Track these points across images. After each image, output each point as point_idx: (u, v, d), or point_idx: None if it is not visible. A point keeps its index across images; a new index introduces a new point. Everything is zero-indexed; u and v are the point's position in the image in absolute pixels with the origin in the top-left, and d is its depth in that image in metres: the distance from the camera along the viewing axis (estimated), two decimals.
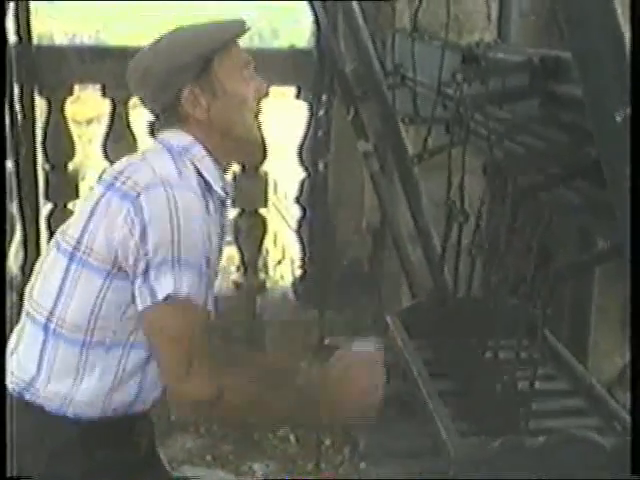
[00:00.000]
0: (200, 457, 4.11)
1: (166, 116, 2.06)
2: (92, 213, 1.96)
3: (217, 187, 2.02)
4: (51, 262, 2.04)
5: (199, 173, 2.00)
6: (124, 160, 2.08)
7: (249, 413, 2.09)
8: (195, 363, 1.90)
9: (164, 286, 1.87)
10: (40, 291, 2.04)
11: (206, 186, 2.01)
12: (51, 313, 1.98)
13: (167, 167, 1.97)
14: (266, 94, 2.13)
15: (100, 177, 2.06)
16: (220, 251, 2.12)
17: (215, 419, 2.14)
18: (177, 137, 2.04)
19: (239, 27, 2.09)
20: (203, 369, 1.91)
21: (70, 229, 2.02)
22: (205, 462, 4.08)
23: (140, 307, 1.91)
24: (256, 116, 2.10)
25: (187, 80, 2.00)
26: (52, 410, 1.99)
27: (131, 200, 1.90)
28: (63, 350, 1.98)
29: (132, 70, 2.07)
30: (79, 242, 1.96)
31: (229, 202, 2.16)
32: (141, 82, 2.05)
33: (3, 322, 2.02)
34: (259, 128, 2.12)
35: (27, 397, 2.01)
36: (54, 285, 1.99)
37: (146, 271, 1.88)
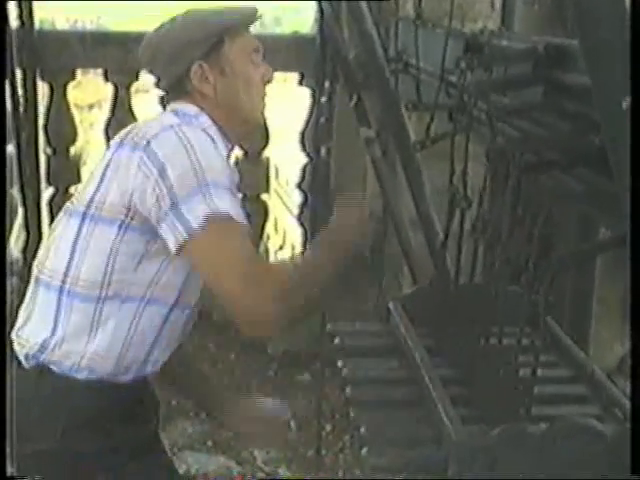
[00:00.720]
0: (201, 443, 4.12)
1: (175, 89, 2.10)
2: (104, 173, 1.97)
3: (223, 150, 2.05)
4: (62, 229, 2.04)
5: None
6: (130, 125, 2.10)
7: (313, 291, 2.04)
8: (254, 277, 1.84)
9: (199, 213, 1.83)
10: (52, 257, 2.04)
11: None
12: (65, 274, 1.99)
13: (173, 118, 2.02)
14: (270, 81, 2.16)
15: (109, 144, 2.07)
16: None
17: (292, 319, 2.05)
18: (185, 107, 2.07)
19: (251, 13, 2.14)
20: (263, 279, 1.84)
21: (81, 193, 2.03)
22: (206, 448, 4.09)
23: (174, 244, 1.87)
24: (261, 99, 2.14)
25: (197, 55, 2.05)
26: (66, 370, 1.99)
27: (142, 148, 1.91)
28: (77, 307, 1.98)
29: (145, 45, 2.12)
30: (91, 200, 1.97)
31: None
32: (153, 56, 2.10)
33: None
34: (262, 112, 2.17)
35: (42, 358, 2.00)
36: (66, 247, 2.00)
37: (175, 206, 1.85)
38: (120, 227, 1.94)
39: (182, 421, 4.21)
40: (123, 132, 2.04)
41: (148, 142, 1.91)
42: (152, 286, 1.99)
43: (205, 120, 2.06)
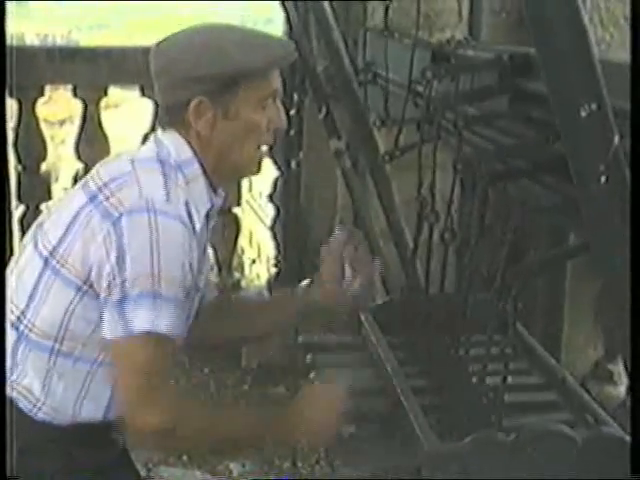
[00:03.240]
0: (176, 457, 4.10)
1: (171, 115, 1.93)
2: (72, 223, 1.88)
3: (201, 214, 1.91)
4: (28, 257, 1.97)
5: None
6: (112, 167, 1.96)
7: (206, 443, 2.05)
8: (155, 393, 1.84)
9: (141, 320, 1.79)
10: (16, 286, 1.98)
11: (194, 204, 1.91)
12: (22, 314, 1.94)
13: (155, 187, 1.85)
14: (282, 127, 1.97)
15: (86, 182, 1.96)
16: (203, 267, 2.03)
17: (171, 449, 2.07)
18: (176, 147, 1.92)
19: (286, 53, 1.95)
20: (162, 399, 1.85)
21: (48, 230, 1.94)
22: (181, 462, 4.07)
23: (110, 334, 1.83)
24: (263, 147, 1.97)
25: (202, 91, 1.86)
26: (24, 409, 1.97)
27: (112, 221, 1.81)
28: (33, 354, 1.94)
29: (155, 55, 1.93)
30: (55, 250, 1.89)
31: (216, 215, 2.05)
32: (159, 72, 1.91)
33: (3, 317, 1.98)
34: (260, 160, 1.99)
35: (7, 388, 1.96)
36: (28, 285, 1.94)
37: (122, 301, 1.80)
38: (78, 291, 1.87)
39: None
40: (102, 178, 1.91)
41: (120, 216, 1.80)
42: (104, 351, 1.92)
43: (194, 169, 1.90)
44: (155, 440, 1.91)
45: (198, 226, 1.89)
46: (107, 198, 1.86)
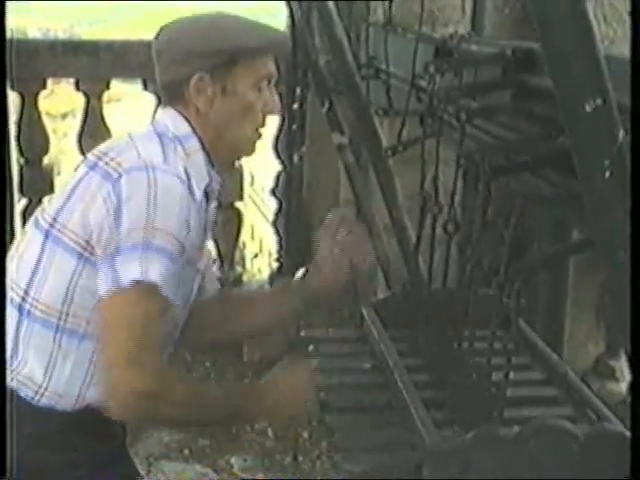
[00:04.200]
0: (177, 451, 4.10)
1: (172, 92, 1.99)
2: (72, 191, 1.91)
3: (200, 185, 1.94)
4: (28, 239, 1.98)
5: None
6: (110, 141, 2.03)
7: (190, 414, 1.97)
8: (141, 354, 1.79)
9: (130, 271, 1.78)
10: (17, 267, 1.98)
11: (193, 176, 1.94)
12: (26, 292, 1.94)
13: (153, 150, 1.90)
14: (275, 112, 2.04)
15: (85, 158, 1.98)
16: (202, 245, 2.04)
17: (151, 418, 2.02)
18: (174, 122, 1.97)
19: (281, 42, 2.05)
20: (148, 361, 1.79)
21: (49, 206, 1.96)
22: (182, 456, 4.07)
23: (104, 289, 1.81)
24: (256, 130, 2.02)
25: (203, 66, 1.93)
26: (27, 397, 1.96)
27: (112, 181, 1.84)
28: (37, 333, 1.93)
29: (159, 36, 2.00)
30: (55, 219, 1.91)
31: (214, 199, 2.08)
32: (161, 50, 1.99)
33: (3, 317, 1.97)
34: (255, 141, 2.05)
35: (7, 377, 1.95)
36: (30, 262, 1.94)
37: (114, 254, 1.79)
38: (79, 258, 1.87)
39: (158, 430, 4.19)
40: (101, 149, 1.96)
41: (119, 176, 1.83)
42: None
43: (192, 144, 1.96)
44: (135, 405, 1.82)
45: (198, 194, 1.92)
46: (107, 163, 1.89)
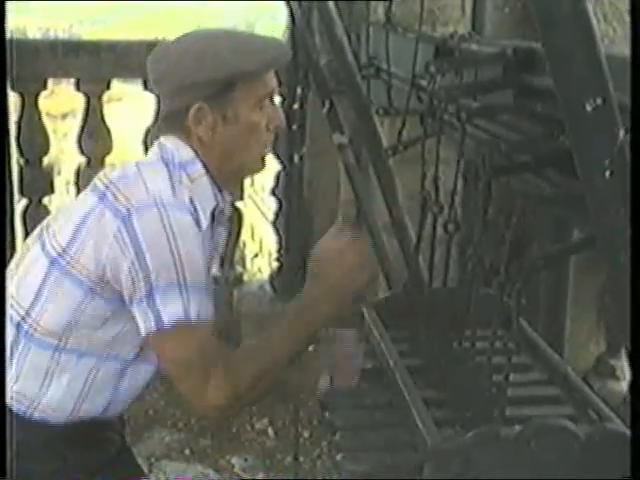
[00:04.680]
0: (178, 451, 4.11)
1: (171, 123, 1.97)
2: (82, 223, 1.89)
3: (206, 211, 1.94)
4: (33, 258, 1.97)
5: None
6: (118, 168, 1.99)
7: (268, 377, 1.98)
8: (210, 381, 1.86)
9: (172, 312, 1.82)
10: (18, 286, 1.98)
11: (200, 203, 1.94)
12: (27, 314, 1.93)
13: (161, 184, 1.89)
14: (281, 126, 2.03)
15: (93, 183, 1.98)
16: (209, 270, 2.03)
17: (247, 405, 2.14)
18: (179, 149, 1.95)
19: (281, 53, 1.99)
20: (218, 383, 1.87)
21: (57, 231, 1.95)
22: (183, 456, 4.08)
23: (144, 331, 1.86)
24: (264, 146, 2.01)
25: (200, 97, 1.90)
26: (19, 412, 1.96)
27: (122, 218, 1.82)
28: (34, 352, 1.93)
29: (152, 64, 1.98)
30: (65, 251, 1.89)
31: (225, 221, 2.10)
32: (156, 81, 1.97)
33: (3, 324, 1.97)
34: (263, 159, 2.04)
35: None
36: (33, 285, 1.93)
37: (150, 294, 1.82)
38: (88, 291, 1.88)
39: (159, 430, 4.20)
40: (110, 177, 1.94)
41: (129, 213, 1.83)
42: (113, 344, 1.95)
43: (197, 169, 1.94)
44: (229, 411, 1.98)
45: (204, 224, 1.91)
46: (115, 196, 1.88)
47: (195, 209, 1.89)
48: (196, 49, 1.93)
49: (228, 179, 2.03)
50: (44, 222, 2.04)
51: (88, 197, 1.95)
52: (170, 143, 1.97)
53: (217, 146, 1.95)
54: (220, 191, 2.00)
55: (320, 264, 2.03)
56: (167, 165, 1.93)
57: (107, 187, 1.91)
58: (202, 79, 1.89)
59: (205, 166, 1.96)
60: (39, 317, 1.92)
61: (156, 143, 2.01)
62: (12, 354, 1.96)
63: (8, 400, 1.96)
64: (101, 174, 2.00)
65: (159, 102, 2.03)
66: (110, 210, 1.86)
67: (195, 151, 1.95)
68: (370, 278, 2.06)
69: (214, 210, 1.97)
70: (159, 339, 1.87)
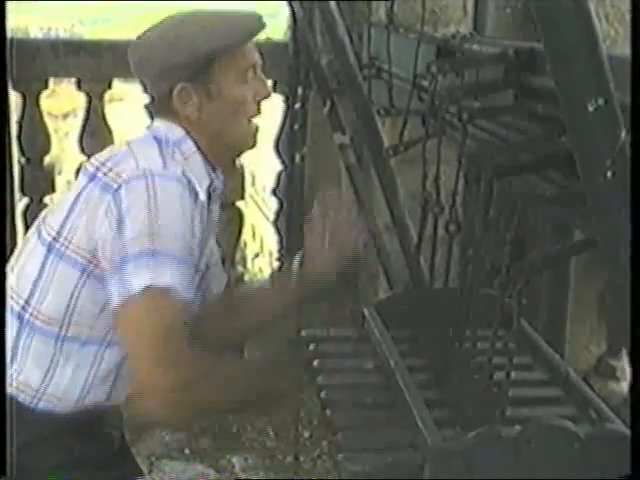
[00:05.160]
0: (178, 451, 4.10)
1: (160, 107, 2.00)
2: (74, 204, 1.91)
3: (202, 186, 1.95)
4: (31, 248, 1.99)
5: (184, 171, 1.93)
6: (108, 150, 2.02)
7: (229, 395, 1.97)
8: (165, 353, 1.78)
9: (141, 278, 1.77)
10: (17, 278, 1.99)
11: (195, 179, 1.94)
12: (27, 302, 1.94)
13: (151, 157, 1.91)
14: (268, 96, 2.05)
15: (84, 167, 2.00)
16: (204, 245, 2.04)
17: (193, 413, 2.00)
18: (169, 129, 1.98)
19: (253, 25, 2.00)
20: (172, 358, 1.79)
21: (51, 218, 1.97)
22: (184, 456, 4.08)
23: (116, 301, 1.81)
24: (252, 119, 2.02)
25: (181, 78, 1.93)
26: (24, 402, 1.96)
27: (112, 192, 1.84)
28: (37, 341, 1.94)
29: (131, 53, 2.03)
30: (59, 233, 1.91)
31: (218, 199, 2.09)
32: (137, 69, 2.02)
33: (3, 319, 1.97)
34: (254, 133, 2.05)
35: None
36: (31, 274, 1.95)
37: (122, 264, 1.79)
38: (83, 272, 1.88)
39: (159, 430, 4.20)
40: (100, 159, 1.96)
41: (119, 186, 1.84)
42: (113, 331, 1.92)
43: (189, 147, 1.96)
44: (169, 401, 1.82)
45: (202, 197, 1.91)
46: (105, 174, 1.90)
47: (189, 181, 1.90)
48: (171, 32, 1.97)
49: (221, 157, 2.05)
50: (41, 214, 2.05)
51: (79, 180, 1.97)
52: (161, 124, 2.00)
53: (206, 124, 1.97)
54: (214, 170, 2.02)
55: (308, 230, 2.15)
56: (159, 142, 1.96)
57: (97, 168, 1.93)
58: (180, 60, 1.93)
59: (197, 144, 1.98)
60: (39, 304, 1.93)
61: (147, 127, 2.04)
62: (16, 345, 1.96)
63: (11, 391, 1.96)
64: (92, 158, 2.01)
65: (145, 90, 2.04)
66: (101, 187, 1.88)
67: (186, 130, 1.98)
68: (356, 240, 2.14)
69: (209, 187, 1.99)
70: (127, 307, 1.80)
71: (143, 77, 2.02)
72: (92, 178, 1.92)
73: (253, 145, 2.07)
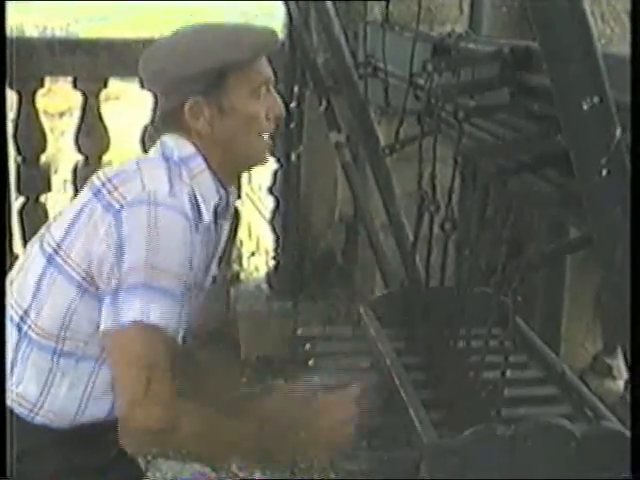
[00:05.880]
0: (175, 450, 4.09)
1: (168, 121, 1.96)
2: (76, 218, 1.89)
3: (209, 206, 1.91)
4: (32, 257, 1.97)
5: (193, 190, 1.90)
6: (119, 165, 1.98)
7: (207, 447, 1.93)
8: (151, 391, 1.76)
9: (131, 311, 1.76)
10: (19, 286, 1.97)
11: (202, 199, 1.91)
12: (25, 313, 1.92)
13: (158, 181, 1.86)
14: (280, 114, 1.99)
15: (91, 180, 1.96)
16: (208, 268, 2.04)
17: (166, 449, 1.96)
18: (179, 145, 1.93)
19: (268, 40, 1.96)
20: (159, 397, 1.77)
21: (53, 230, 1.94)
22: (180, 456, 4.07)
23: (102, 326, 1.81)
24: (266, 136, 1.97)
25: (194, 91, 1.88)
26: (21, 415, 1.95)
27: (113, 213, 1.81)
28: (35, 354, 1.92)
29: (143, 65, 1.96)
30: (59, 246, 1.89)
31: (229, 216, 2.06)
32: (149, 80, 1.96)
33: (3, 321, 1.96)
34: (267, 148, 2.00)
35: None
36: (31, 284, 1.93)
37: (116, 291, 1.78)
38: (78, 288, 1.86)
39: None
40: (107, 175, 1.92)
41: (121, 207, 1.81)
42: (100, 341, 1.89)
43: (198, 164, 1.92)
44: (148, 440, 1.85)
45: (206, 218, 1.89)
46: (110, 192, 1.87)
47: (197, 204, 1.88)
48: (184, 45, 1.93)
49: (232, 173, 2.02)
50: (47, 224, 2.04)
51: (84, 193, 1.94)
52: (170, 140, 1.96)
53: (217, 139, 1.93)
54: (224, 187, 1.98)
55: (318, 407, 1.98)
56: (167, 161, 1.92)
57: (103, 184, 1.90)
58: (192, 74, 1.88)
59: (206, 161, 1.94)
60: (36, 317, 1.91)
61: (158, 141, 1.99)
62: (15, 356, 1.95)
63: (9, 402, 1.95)
64: (100, 172, 1.98)
65: (156, 101, 2.02)
66: (103, 206, 1.85)
67: (196, 146, 1.94)
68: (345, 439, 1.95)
69: (217, 206, 1.96)
70: (112, 337, 1.80)
71: (155, 89, 1.98)
72: (97, 194, 1.89)
73: (265, 161, 2.03)
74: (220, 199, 1.96)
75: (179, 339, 1.86)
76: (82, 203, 1.91)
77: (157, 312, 1.77)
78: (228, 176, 1.99)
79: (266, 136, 1.97)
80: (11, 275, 2.03)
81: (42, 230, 2.02)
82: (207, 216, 1.90)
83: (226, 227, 2.07)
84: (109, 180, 1.90)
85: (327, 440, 1.95)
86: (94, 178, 1.96)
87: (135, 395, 1.77)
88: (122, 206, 1.82)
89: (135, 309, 1.76)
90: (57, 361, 1.92)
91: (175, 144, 1.94)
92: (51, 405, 1.94)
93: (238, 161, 1.99)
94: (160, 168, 1.91)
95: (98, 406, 1.96)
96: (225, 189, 1.98)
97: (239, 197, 4.72)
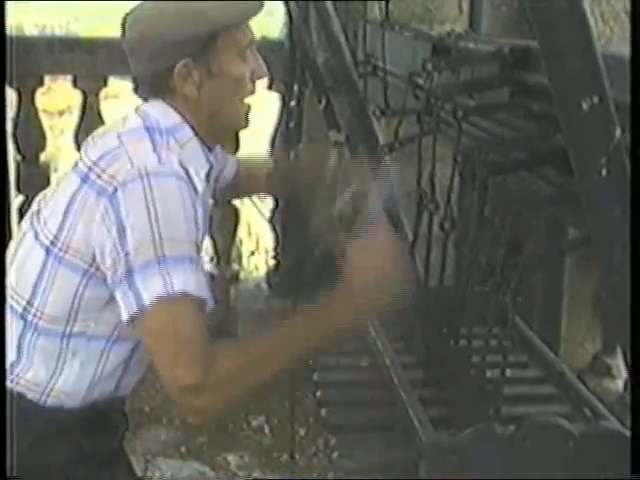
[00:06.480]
0: (174, 449, 4.10)
1: (155, 86, 1.94)
2: (69, 208, 1.86)
3: (200, 174, 1.90)
4: (28, 249, 1.95)
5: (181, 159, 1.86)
6: (99, 145, 1.93)
7: (257, 377, 1.81)
8: (192, 356, 1.72)
9: (153, 289, 1.72)
10: (17, 278, 1.96)
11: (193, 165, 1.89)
12: (29, 303, 1.91)
13: (145, 154, 1.83)
14: (264, 75, 2.00)
15: (75, 163, 1.94)
16: (205, 230, 2.01)
17: (228, 403, 1.88)
18: (163, 114, 1.92)
19: (255, 4, 1.97)
20: (201, 359, 1.71)
21: (48, 221, 1.92)
22: (179, 454, 4.07)
23: (126, 314, 1.76)
24: (245, 99, 1.97)
25: (184, 54, 1.87)
26: (33, 399, 1.96)
27: (108, 196, 1.78)
28: (43, 340, 1.92)
29: (130, 27, 1.96)
30: (56, 238, 1.87)
31: (219, 173, 2.08)
32: (135, 43, 1.95)
33: (3, 317, 1.96)
34: (247, 112, 2.00)
35: (7, 383, 1.94)
36: (31, 276, 1.91)
37: (130, 274, 1.73)
38: (84, 275, 1.84)
39: (155, 428, 4.19)
40: (91, 157, 1.89)
41: (115, 190, 1.77)
42: (118, 326, 1.88)
43: (185, 133, 1.91)
44: (196, 400, 1.74)
45: (200, 186, 1.88)
46: (99, 176, 1.83)
47: (187, 172, 1.84)
48: (173, 7, 1.92)
49: (215, 137, 2.01)
50: (34, 206, 2.01)
51: (72, 180, 1.91)
52: (153, 109, 1.94)
53: (203, 103, 1.93)
54: (210, 151, 1.99)
55: (349, 265, 1.88)
56: (151, 133, 1.89)
57: (90, 168, 1.87)
58: (185, 36, 1.88)
59: (193, 128, 1.94)
60: (41, 306, 1.91)
61: (135, 111, 1.98)
62: (20, 345, 1.95)
63: (21, 389, 1.95)
64: (82, 153, 1.95)
65: (136, 67, 1.99)
66: (95, 191, 1.82)
67: (181, 114, 1.93)
68: (403, 282, 1.83)
69: (208, 172, 1.96)
70: (141, 319, 1.75)
71: (141, 54, 1.94)
72: (85, 179, 1.86)
73: (246, 125, 2.03)
74: (210, 166, 1.97)
75: (210, 300, 1.81)
76: (72, 191, 1.87)
77: (180, 280, 1.73)
78: (213, 140, 1.99)
79: (247, 99, 1.98)
80: (8, 256, 2.02)
81: (30, 214, 1.99)
82: (200, 185, 1.88)
83: (219, 186, 2.08)
84: (95, 163, 1.86)
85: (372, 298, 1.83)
86: (78, 162, 1.93)
87: (170, 365, 1.73)
88: (116, 188, 1.78)
89: (156, 286, 1.72)
90: (67, 342, 1.91)
91: (160, 113, 1.93)
92: (63, 386, 1.94)
93: (221, 125, 1.98)
94: (144, 140, 1.88)
95: (108, 383, 1.98)
96: (212, 153, 1.99)
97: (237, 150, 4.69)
